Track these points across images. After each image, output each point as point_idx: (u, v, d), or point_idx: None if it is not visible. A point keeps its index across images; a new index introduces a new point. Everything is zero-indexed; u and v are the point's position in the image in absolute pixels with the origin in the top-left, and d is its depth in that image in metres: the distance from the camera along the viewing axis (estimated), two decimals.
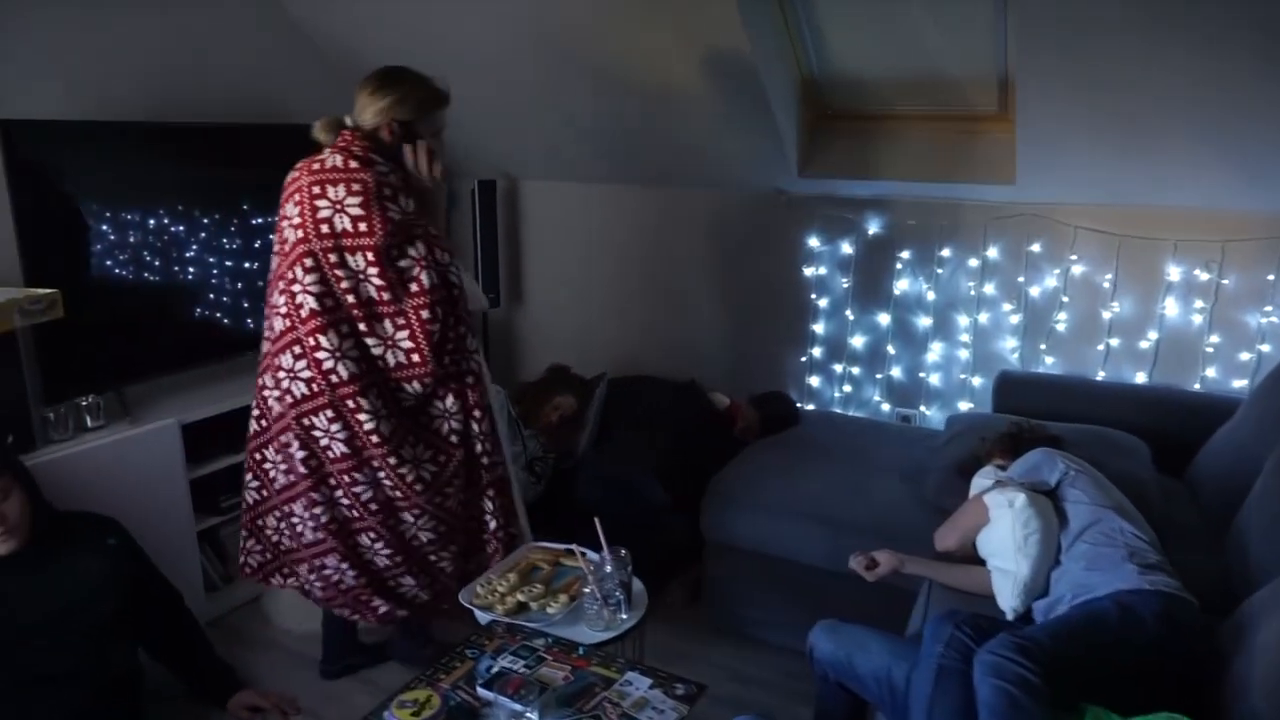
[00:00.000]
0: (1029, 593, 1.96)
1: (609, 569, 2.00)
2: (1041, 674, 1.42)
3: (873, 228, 3.30)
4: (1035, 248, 3.07)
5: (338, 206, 2.06)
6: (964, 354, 3.27)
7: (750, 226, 3.51)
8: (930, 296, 3.26)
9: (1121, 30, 2.35)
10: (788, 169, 3.27)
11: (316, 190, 2.07)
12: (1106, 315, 3.03)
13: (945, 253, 3.21)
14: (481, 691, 1.71)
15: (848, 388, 3.50)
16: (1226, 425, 2.63)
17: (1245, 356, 2.89)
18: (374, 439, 2.11)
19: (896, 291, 3.31)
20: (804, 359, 3.53)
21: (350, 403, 2.09)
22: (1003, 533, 2.00)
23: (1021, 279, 3.11)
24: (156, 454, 2.58)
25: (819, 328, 3.47)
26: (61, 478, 2.29)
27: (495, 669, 1.79)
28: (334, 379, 2.08)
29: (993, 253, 3.14)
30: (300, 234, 2.08)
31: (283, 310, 2.13)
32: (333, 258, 2.06)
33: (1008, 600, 1.98)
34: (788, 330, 3.53)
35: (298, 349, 2.11)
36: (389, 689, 2.43)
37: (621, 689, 1.74)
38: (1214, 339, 2.91)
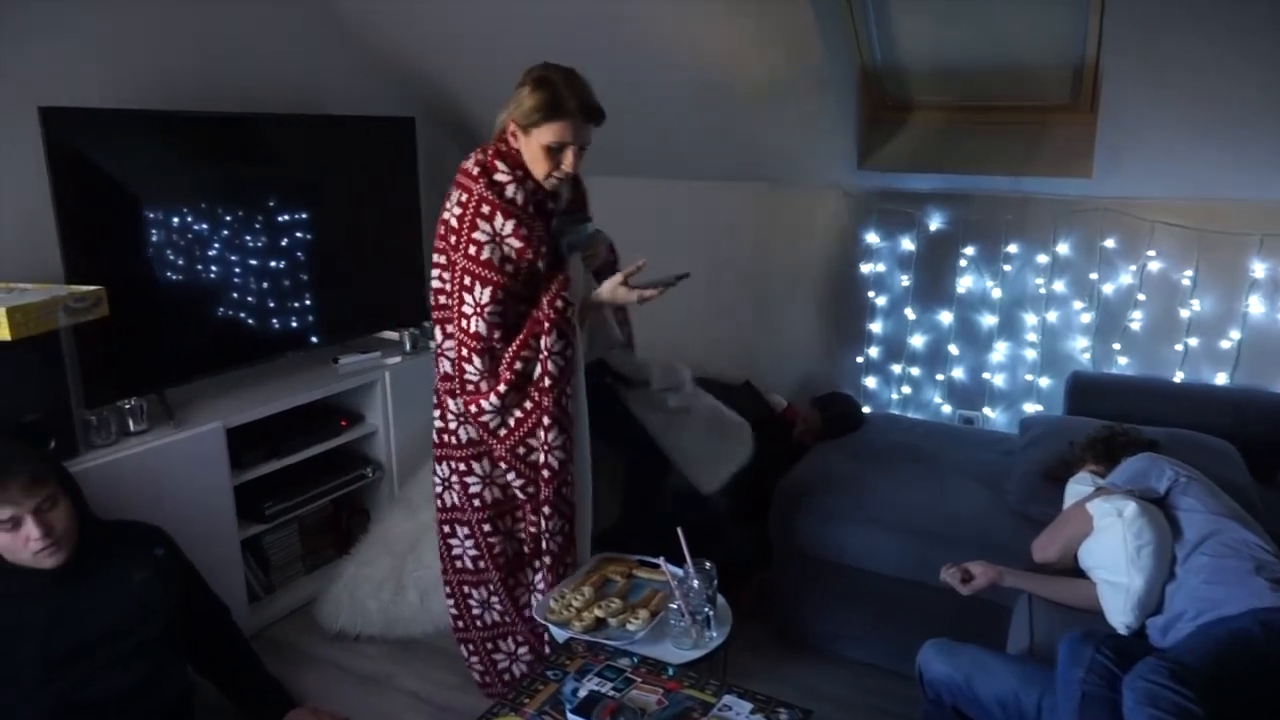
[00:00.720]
0: (1143, 608, 1.83)
1: (695, 583, 1.87)
2: (1199, 702, 1.30)
3: (935, 223, 3.17)
4: (1109, 243, 2.94)
5: (446, 208, 2.09)
6: (1030, 354, 3.14)
7: (807, 221, 3.38)
8: (996, 294, 3.13)
9: (1211, 15, 2.22)
10: (847, 162, 3.15)
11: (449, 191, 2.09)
12: (1185, 314, 2.90)
13: (1012, 249, 3.08)
14: (572, 718, 1.58)
15: (906, 389, 3.37)
16: None
17: None
18: None
19: (960, 289, 3.18)
20: (860, 359, 3.40)
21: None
22: (1112, 544, 1.88)
23: (1094, 276, 2.98)
24: (200, 459, 2.45)
25: (876, 327, 3.35)
26: (103, 485, 2.17)
27: (583, 692, 1.66)
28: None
29: (1063, 249, 3.01)
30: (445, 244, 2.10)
31: None
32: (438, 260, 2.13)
33: (1119, 616, 1.85)
34: (844, 329, 3.41)
35: None
36: (449, 709, 2.33)
37: (721, 715, 1.62)
38: None
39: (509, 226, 2.01)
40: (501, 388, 2.03)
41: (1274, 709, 1.43)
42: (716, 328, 3.64)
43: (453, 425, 2.17)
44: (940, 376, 3.30)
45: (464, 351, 2.04)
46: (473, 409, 2.07)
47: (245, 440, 2.62)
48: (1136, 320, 2.96)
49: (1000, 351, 3.18)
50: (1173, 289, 2.90)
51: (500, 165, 2.04)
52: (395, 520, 2.92)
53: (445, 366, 2.16)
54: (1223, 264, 2.83)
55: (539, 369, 2.03)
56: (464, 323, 2.03)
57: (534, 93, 1.99)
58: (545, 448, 2.07)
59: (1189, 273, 2.86)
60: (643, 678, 1.72)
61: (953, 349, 3.25)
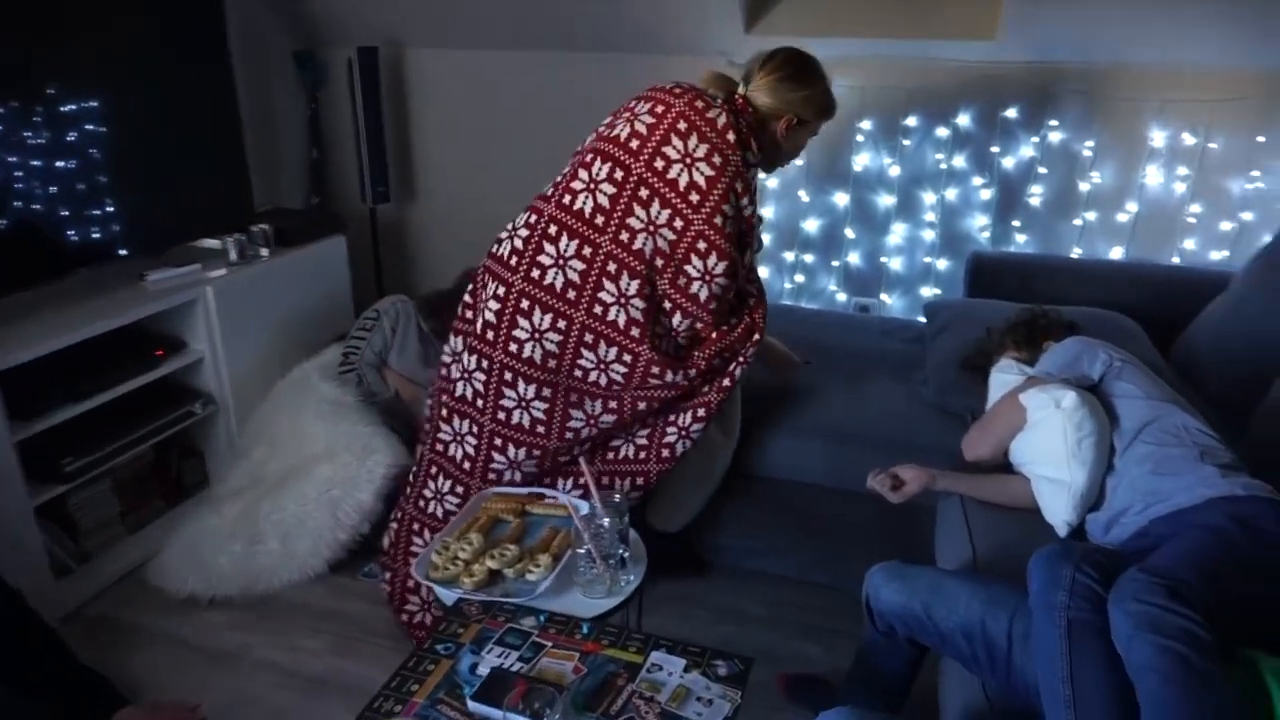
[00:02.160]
0: (1085, 504, 1.70)
1: (605, 521, 1.59)
2: (1204, 623, 1.15)
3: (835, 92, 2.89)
4: (1011, 113, 2.76)
5: (688, 160, 1.84)
6: (929, 235, 2.97)
7: None
8: (894, 172, 2.92)
9: None
10: (733, 27, 2.80)
11: (683, 127, 1.85)
12: (1085, 187, 2.78)
13: (911, 122, 2.85)
14: (474, 706, 1.29)
15: (800, 277, 3.16)
16: (1221, 301, 2.44)
17: (1226, 226, 2.71)
18: None
19: (856, 168, 2.95)
20: None
21: None
22: (1050, 437, 1.72)
23: (995, 149, 2.80)
24: None
25: (768, 212, 3.08)
26: None
27: (483, 669, 1.37)
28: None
29: (964, 120, 2.81)
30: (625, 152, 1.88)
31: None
32: (644, 194, 1.86)
33: (1060, 514, 1.72)
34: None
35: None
36: (321, 681, 2.00)
37: (651, 677, 1.37)
38: (1195, 209, 2.72)
39: (747, 210, 1.93)
40: (693, 371, 1.94)
41: (1261, 613, 1.31)
42: None
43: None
44: (835, 263, 3.10)
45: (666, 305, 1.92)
46: (654, 370, 1.91)
47: (31, 383, 2.10)
48: (1036, 195, 2.82)
49: (898, 234, 3.00)
50: (1073, 160, 2.77)
51: (754, 143, 1.94)
52: (240, 460, 2.49)
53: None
54: (1123, 133, 2.70)
55: (735, 369, 2.01)
56: (681, 281, 1.89)
57: (827, 92, 2.03)
58: (682, 432, 2.02)
59: (1090, 143, 2.73)
60: (553, 640, 1.45)
61: (849, 233, 3.04)
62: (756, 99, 1.96)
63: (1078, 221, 2.82)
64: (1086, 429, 1.69)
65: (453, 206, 3.49)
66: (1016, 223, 2.87)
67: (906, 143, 2.88)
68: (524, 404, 1.93)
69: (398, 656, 1.92)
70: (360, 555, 2.34)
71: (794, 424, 2.25)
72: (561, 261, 1.88)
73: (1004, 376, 2.00)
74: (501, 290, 1.91)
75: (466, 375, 1.97)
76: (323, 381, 2.54)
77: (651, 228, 1.85)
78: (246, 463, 2.47)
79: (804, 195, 3.02)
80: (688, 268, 1.87)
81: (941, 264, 2.99)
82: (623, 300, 1.88)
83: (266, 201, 3.23)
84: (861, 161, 2.94)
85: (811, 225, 3.06)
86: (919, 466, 1.86)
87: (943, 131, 2.84)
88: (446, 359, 2.05)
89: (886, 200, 2.97)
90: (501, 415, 1.94)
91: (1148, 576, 1.21)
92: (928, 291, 3.02)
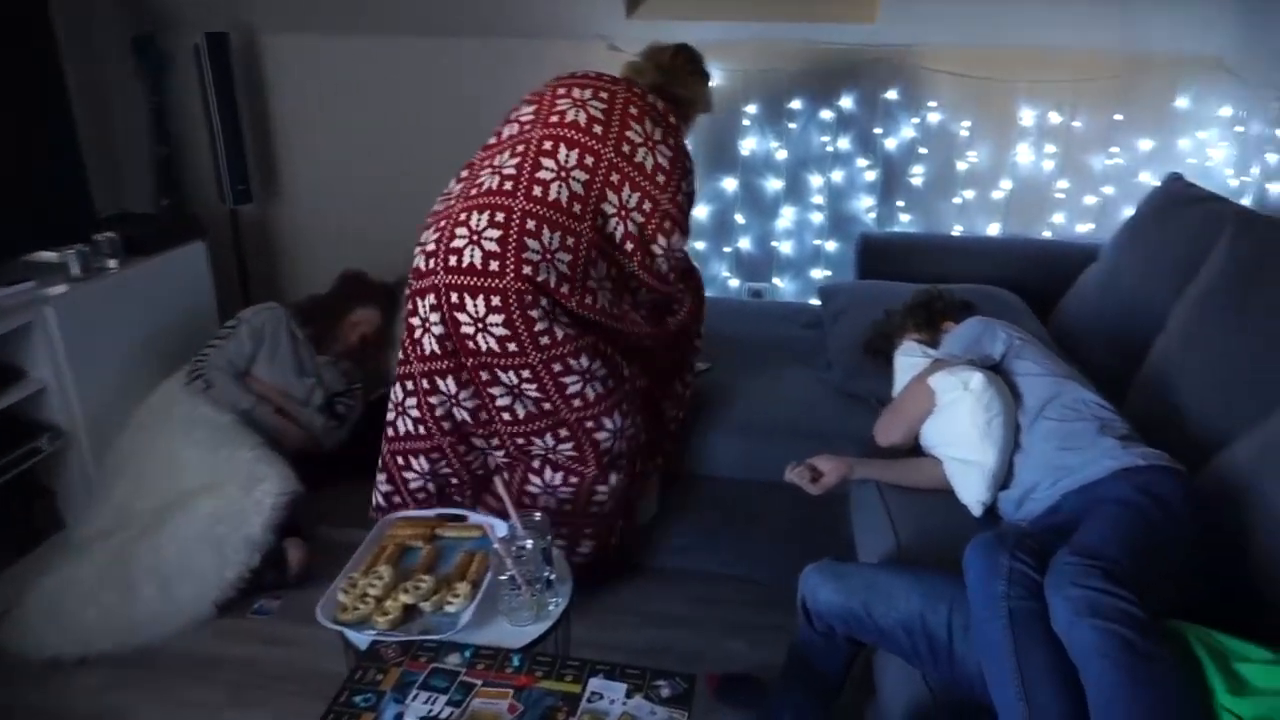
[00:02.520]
0: (997, 482, 1.74)
1: (528, 542, 1.50)
2: (1138, 601, 1.17)
3: (715, 79, 2.84)
4: (892, 94, 2.80)
5: (650, 143, 1.89)
6: (817, 218, 2.99)
7: None
8: (781, 155, 2.92)
9: None
10: (613, 9, 2.72)
11: (635, 112, 1.90)
12: (962, 166, 2.86)
13: (796, 105, 2.86)
14: None
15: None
16: (1093, 272, 2.57)
17: (1091, 200, 2.85)
18: None
19: (744, 152, 2.93)
20: None
21: None
22: (960, 419, 1.75)
23: (878, 130, 2.84)
24: None
25: None
26: None
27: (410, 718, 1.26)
28: None
29: (847, 103, 2.83)
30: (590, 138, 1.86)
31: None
32: (615, 179, 1.86)
33: (974, 494, 1.75)
34: None
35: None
36: None
37: (593, 707, 1.30)
38: (1063, 184, 2.84)
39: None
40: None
41: (1177, 582, 1.36)
42: None
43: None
44: (727, 248, 3.08)
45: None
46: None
47: None
48: (918, 175, 2.89)
49: (787, 217, 3.01)
50: (951, 141, 2.84)
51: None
52: (101, 499, 2.24)
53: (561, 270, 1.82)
54: (995, 113, 2.79)
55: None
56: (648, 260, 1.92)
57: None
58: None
59: (967, 123, 2.81)
60: (483, 678, 1.35)
61: (739, 218, 3.03)
62: (676, 90, 2.01)
63: (957, 200, 2.90)
64: (995, 409, 1.72)
65: (323, 205, 3.26)
66: (900, 203, 2.93)
67: (792, 126, 2.88)
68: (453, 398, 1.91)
69: (303, 701, 1.78)
70: (250, 592, 2.15)
71: (707, 418, 2.21)
72: (549, 257, 1.79)
73: (909, 359, 2.02)
74: (496, 300, 1.77)
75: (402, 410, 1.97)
76: (191, 402, 2.32)
77: (623, 212, 1.86)
78: (109, 501, 2.22)
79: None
80: (653, 247, 1.91)
81: (830, 246, 3.02)
82: (601, 286, 1.86)
83: (109, 205, 2.91)
84: (749, 146, 2.92)
85: (701, 212, 3.03)
86: (836, 457, 1.85)
87: (827, 114, 2.85)
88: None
89: (775, 184, 2.97)
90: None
91: (1080, 560, 1.23)
92: (818, 274, 3.05)
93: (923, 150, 2.85)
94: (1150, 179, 2.73)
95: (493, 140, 1.96)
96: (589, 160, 1.83)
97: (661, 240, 1.91)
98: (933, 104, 2.79)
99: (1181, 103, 2.69)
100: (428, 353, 1.86)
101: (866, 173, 2.91)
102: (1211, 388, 1.87)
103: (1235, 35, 2.55)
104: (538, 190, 1.80)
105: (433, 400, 1.91)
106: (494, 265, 1.75)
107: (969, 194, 2.89)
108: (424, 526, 1.73)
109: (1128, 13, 2.54)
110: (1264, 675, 1.09)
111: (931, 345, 2.04)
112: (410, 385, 1.94)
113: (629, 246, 1.88)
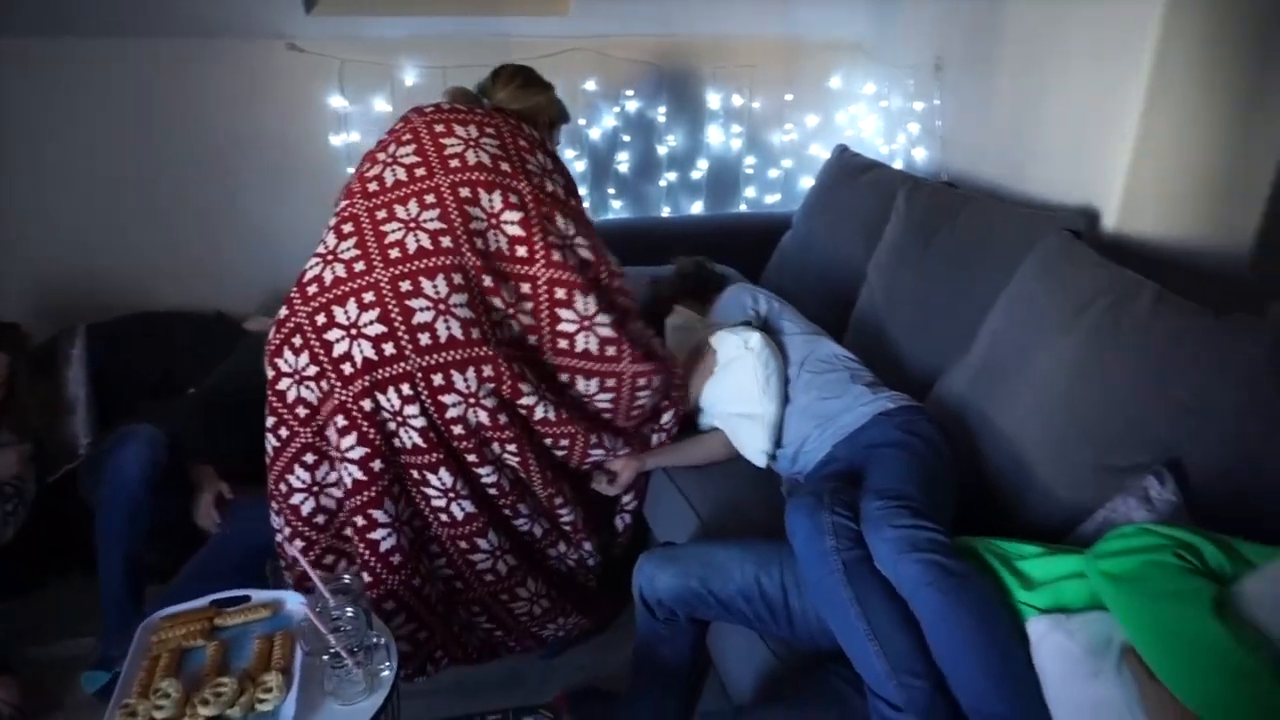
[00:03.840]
0: (777, 432, 1.88)
1: (349, 609, 1.35)
2: (941, 528, 1.33)
3: (411, 77, 2.71)
4: (590, 85, 2.86)
5: (548, 172, 1.81)
6: None
7: (254, 88, 2.61)
8: None
9: None
10: (292, 7, 2.46)
11: (524, 144, 1.81)
12: (663, 150, 3.02)
13: None
14: None
15: None
16: (789, 238, 2.85)
17: (774, 174, 3.15)
18: None
19: None
20: None
21: None
22: (742, 377, 1.88)
23: (582, 121, 2.89)
24: None
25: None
26: None
27: None
28: None
29: None
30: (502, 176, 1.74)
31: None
32: (545, 210, 1.76)
33: (757, 445, 1.87)
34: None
35: None
36: None
37: None
38: (751, 160, 3.11)
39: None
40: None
41: (952, 502, 1.56)
42: (166, 245, 2.68)
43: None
44: None
45: None
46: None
47: None
48: (624, 162, 2.99)
49: None
50: (650, 127, 2.97)
51: None
52: None
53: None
54: (687, 98, 2.97)
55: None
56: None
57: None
58: None
59: (662, 109, 2.95)
60: None
61: None
62: (512, 106, 1.91)
63: (662, 183, 3.06)
64: (772, 366, 1.87)
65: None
66: (611, 190, 3.02)
67: None
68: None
69: None
70: None
71: None
72: (513, 309, 1.72)
73: (682, 324, 2.12)
74: (487, 369, 1.66)
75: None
76: None
77: (566, 240, 1.76)
78: None
79: None
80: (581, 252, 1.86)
81: None
82: (587, 324, 1.75)
83: None
84: None
85: None
86: (626, 454, 1.88)
87: None
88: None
89: None
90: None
91: (886, 503, 1.37)
92: None
93: (626, 137, 2.96)
94: (820, 151, 3.09)
95: (373, 187, 1.73)
96: (514, 199, 1.71)
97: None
98: (629, 93, 2.90)
99: (835, 83, 3.07)
100: (423, 445, 1.67)
101: (576, 163, 2.95)
102: (916, 331, 2.17)
103: (871, 22, 2.95)
104: (479, 243, 1.68)
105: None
106: (475, 333, 1.66)
107: (672, 176, 3.06)
108: (197, 621, 1.48)
109: (785, 6, 2.83)
110: (1041, 568, 1.29)
111: (701, 314, 2.16)
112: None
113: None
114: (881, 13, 2.89)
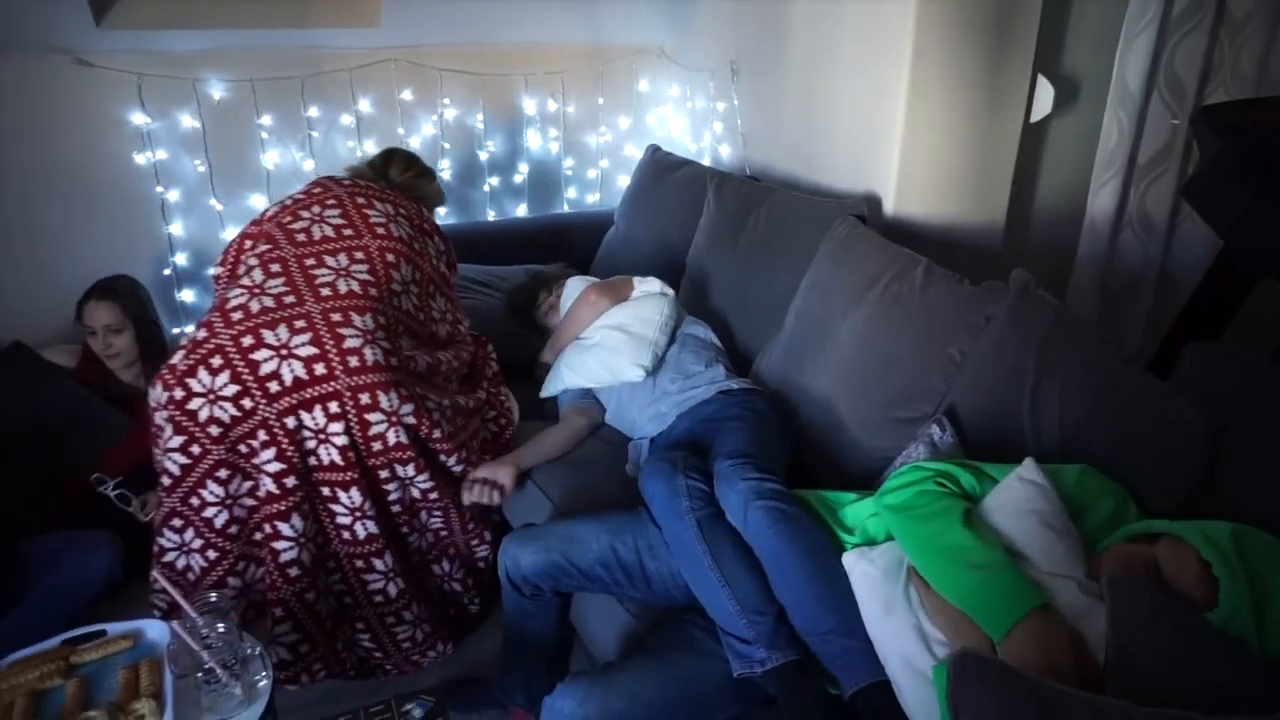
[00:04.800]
0: (657, 361, 2.06)
1: (219, 625, 1.37)
2: (779, 479, 1.52)
3: (218, 91, 2.64)
4: (407, 95, 2.90)
5: (439, 253, 2.14)
6: None
7: (45, 108, 2.45)
8: (309, 165, 2.83)
9: None
10: (79, 19, 2.35)
11: (428, 227, 2.14)
12: (484, 156, 3.09)
13: (314, 112, 2.79)
14: None
15: None
16: (612, 234, 3.03)
17: (593, 174, 3.31)
18: None
19: (269, 167, 2.78)
20: (168, 271, 2.75)
21: None
22: (650, 311, 2.11)
23: (401, 130, 2.92)
24: None
25: (178, 228, 2.72)
26: None
27: None
28: None
29: (365, 106, 2.85)
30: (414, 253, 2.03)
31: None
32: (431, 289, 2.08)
33: (637, 358, 2.02)
34: (137, 241, 2.68)
35: None
36: None
37: None
38: (570, 162, 3.25)
39: None
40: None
41: (787, 459, 1.77)
42: None
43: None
44: None
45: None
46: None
47: None
48: (446, 169, 3.04)
49: None
50: (469, 134, 3.04)
51: None
52: None
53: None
54: (503, 105, 3.06)
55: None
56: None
57: None
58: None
59: (480, 116, 3.03)
60: None
61: None
62: (409, 190, 2.18)
63: (486, 188, 3.13)
64: (668, 311, 2.12)
65: None
66: None
67: (315, 134, 2.81)
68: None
69: None
70: None
71: None
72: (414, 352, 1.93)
73: (579, 288, 2.26)
74: (404, 391, 1.79)
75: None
76: None
77: (440, 315, 2.09)
78: None
79: (216, 204, 2.74)
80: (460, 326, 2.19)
81: None
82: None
83: None
84: (272, 159, 2.77)
85: (231, 234, 2.80)
86: (497, 462, 1.94)
87: (347, 119, 2.84)
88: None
89: None
90: None
91: (735, 461, 1.54)
92: None
93: (446, 145, 3.01)
94: (634, 150, 3.27)
95: (300, 238, 1.91)
96: (418, 275, 2.01)
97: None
98: (446, 101, 2.95)
99: (643, 86, 3.26)
100: (340, 463, 1.76)
101: None
102: (735, 313, 2.40)
103: (670, 28, 3.15)
104: (397, 301, 1.92)
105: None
106: (394, 361, 1.80)
107: (494, 181, 3.14)
108: (51, 661, 1.44)
109: (588, 13, 2.98)
110: (853, 513, 1.51)
111: (554, 310, 2.32)
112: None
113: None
114: (679, 18, 3.11)
